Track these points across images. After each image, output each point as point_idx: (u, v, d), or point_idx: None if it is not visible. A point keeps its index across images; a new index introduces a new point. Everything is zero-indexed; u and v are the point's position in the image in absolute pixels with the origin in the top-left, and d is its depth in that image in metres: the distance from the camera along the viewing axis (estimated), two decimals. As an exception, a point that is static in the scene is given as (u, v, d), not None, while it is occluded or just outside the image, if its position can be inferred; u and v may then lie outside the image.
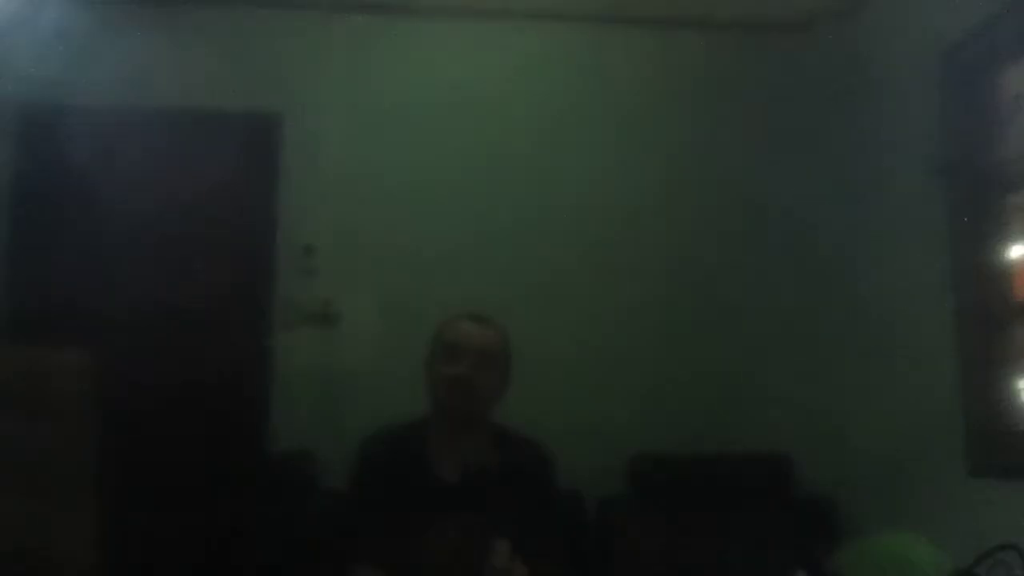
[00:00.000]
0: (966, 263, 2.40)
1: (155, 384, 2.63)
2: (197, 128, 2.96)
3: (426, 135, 2.97)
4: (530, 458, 1.96)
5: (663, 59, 3.07)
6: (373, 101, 2.98)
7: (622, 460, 2.78)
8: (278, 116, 2.94)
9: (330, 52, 2.99)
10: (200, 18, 2.91)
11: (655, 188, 3.01)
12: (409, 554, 1.79)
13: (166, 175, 2.88)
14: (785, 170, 3.00)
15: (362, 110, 2.97)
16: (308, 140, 2.92)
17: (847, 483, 2.76)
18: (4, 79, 2.67)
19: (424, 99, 2.99)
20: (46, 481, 1.82)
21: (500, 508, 1.83)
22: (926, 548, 1.76)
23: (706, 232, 3.01)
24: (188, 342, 2.75)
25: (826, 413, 2.82)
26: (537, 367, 2.75)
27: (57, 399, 1.90)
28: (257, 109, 2.94)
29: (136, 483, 2.31)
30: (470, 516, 1.81)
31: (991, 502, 2.19)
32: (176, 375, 2.66)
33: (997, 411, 2.33)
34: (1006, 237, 2.38)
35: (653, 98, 3.05)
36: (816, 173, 2.96)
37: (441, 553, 1.78)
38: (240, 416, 2.75)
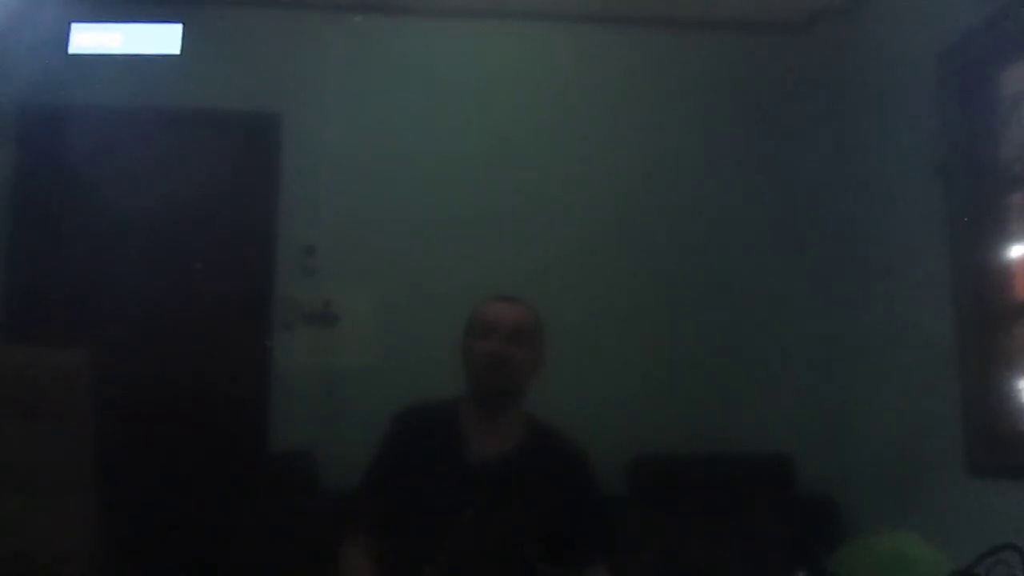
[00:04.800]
0: (966, 263, 2.40)
1: (154, 384, 2.64)
2: (197, 128, 2.96)
3: (426, 135, 2.98)
4: (569, 450, 1.98)
5: (663, 59, 3.07)
6: (373, 101, 2.98)
7: (622, 460, 2.78)
8: (278, 116, 2.94)
9: (330, 52, 2.99)
10: (200, 18, 2.91)
11: (653, 190, 3.01)
12: (428, 530, 1.79)
13: (166, 175, 2.88)
14: (785, 169, 3.00)
15: (362, 110, 2.98)
16: (308, 140, 2.93)
17: (847, 483, 2.76)
18: (4, 79, 2.67)
19: (424, 99, 2.99)
20: (45, 480, 1.82)
21: (535, 494, 1.85)
22: (926, 548, 1.76)
23: (705, 233, 3.01)
24: (188, 342, 2.75)
25: (826, 413, 2.82)
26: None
27: (56, 399, 1.90)
28: (257, 109, 2.94)
29: (135, 482, 2.31)
30: (501, 498, 1.82)
31: (991, 502, 2.19)
32: (176, 375, 2.67)
33: (997, 411, 2.33)
34: (1006, 237, 2.38)
35: (653, 97, 3.05)
36: (816, 172, 2.96)
37: (465, 534, 1.78)
38: (240, 416, 2.75)
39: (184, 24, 2.82)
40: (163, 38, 2.48)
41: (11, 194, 2.82)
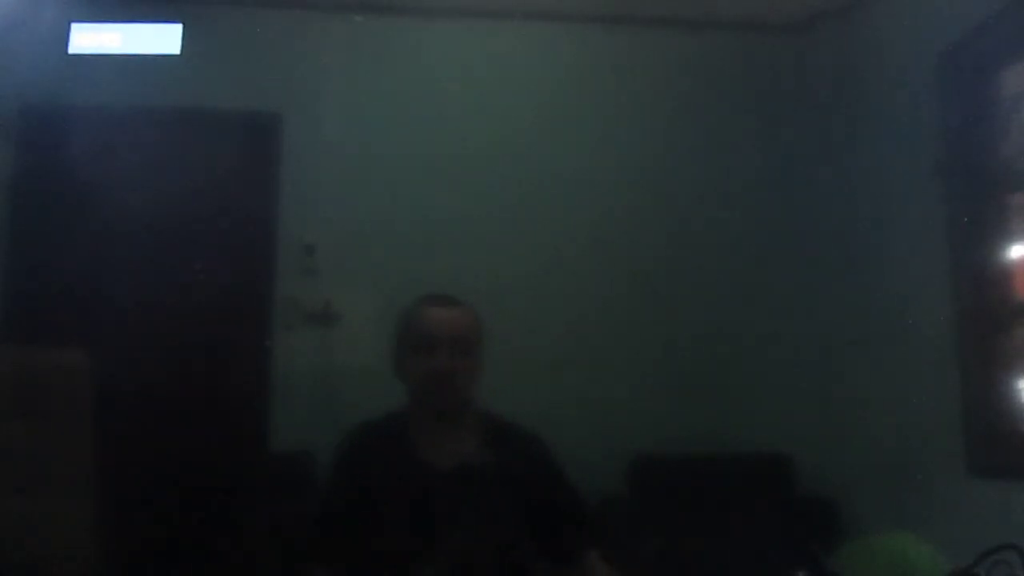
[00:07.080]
0: (966, 263, 2.40)
1: (154, 384, 2.63)
2: (197, 128, 2.96)
3: (427, 135, 2.97)
4: (531, 448, 1.93)
5: (661, 59, 3.07)
6: (373, 101, 2.98)
7: (622, 460, 2.77)
8: (278, 116, 2.94)
9: (330, 52, 2.99)
10: (200, 18, 2.91)
11: (651, 188, 3.00)
12: (397, 551, 1.75)
13: (166, 175, 2.88)
14: (783, 170, 3.00)
15: (362, 110, 2.97)
16: (308, 140, 2.92)
17: (847, 483, 2.76)
18: (4, 79, 2.67)
19: (424, 99, 2.98)
20: (45, 480, 1.82)
21: (502, 500, 1.82)
22: (925, 548, 1.76)
23: (704, 231, 3.01)
24: (187, 342, 2.75)
25: (826, 413, 2.82)
26: (535, 368, 2.76)
27: (56, 399, 1.90)
28: (257, 109, 2.94)
29: (134, 483, 2.31)
30: (472, 506, 1.79)
31: (991, 502, 2.19)
32: (175, 375, 2.66)
33: (997, 411, 2.33)
34: (1006, 237, 2.38)
35: (651, 97, 3.05)
36: (815, 172, 2.96)
37: (450, 548, 1.76)
38: (240, 416, 2.75)
39: (184, 24, 2.82)
40: (163, 38, 2.48)
41: (11, 194, 2.82)
